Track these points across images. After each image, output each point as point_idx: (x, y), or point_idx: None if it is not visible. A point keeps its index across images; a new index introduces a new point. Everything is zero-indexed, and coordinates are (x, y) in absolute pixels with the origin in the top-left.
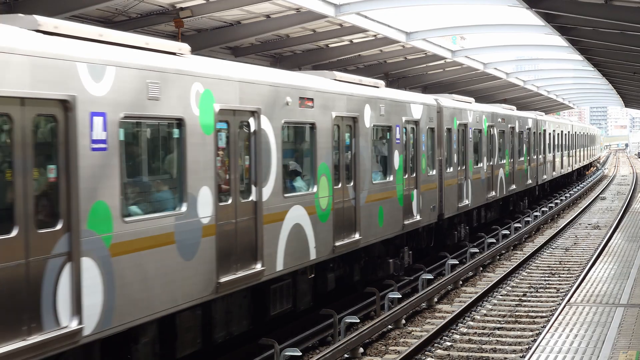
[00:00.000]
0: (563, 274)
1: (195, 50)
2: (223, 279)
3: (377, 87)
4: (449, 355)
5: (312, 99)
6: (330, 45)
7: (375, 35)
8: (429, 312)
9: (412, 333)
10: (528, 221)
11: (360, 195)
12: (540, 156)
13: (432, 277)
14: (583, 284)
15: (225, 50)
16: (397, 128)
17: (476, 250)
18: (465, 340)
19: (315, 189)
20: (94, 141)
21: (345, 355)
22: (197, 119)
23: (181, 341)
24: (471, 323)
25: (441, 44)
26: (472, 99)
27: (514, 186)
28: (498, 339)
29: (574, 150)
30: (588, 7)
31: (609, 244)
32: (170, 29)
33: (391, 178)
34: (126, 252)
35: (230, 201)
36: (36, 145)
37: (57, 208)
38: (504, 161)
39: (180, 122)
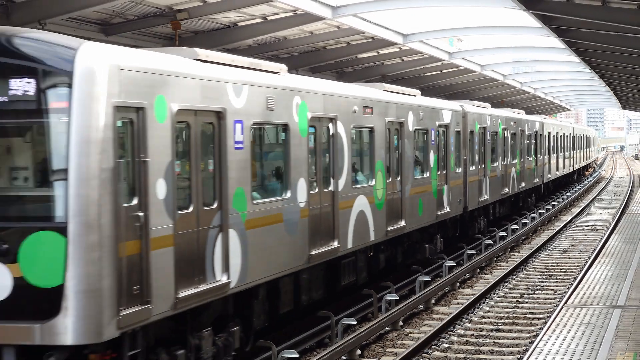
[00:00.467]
0: (560, 275)
1: None
2: (313, 252)
3: (415, 95)
4: (446, 357)
5: (371, 107)
6: (328, 47)
7: (372, 37)
8: (426, 314)
9: (410, 335)
10: (525, 223)
11: (405, 188)
12: (546, 157)
13: (430, 279)
14: (580, 286)
15: (222, 52)
16: (432, 131)
17: (473, 252)
18: (462, 342)
19: (373, 182)
20: (236, 142)
21: (343, 357)
22: (297, 124)
23: (283, 300)
24: (469, 325)
25: (438, 45)
26: (488, 105)
27: (523, 184)
28: (495, 340)
29: (575, 152)
30: (585, 9)
31: (606, 246)
32: (167, 31)
33: (427, 174)
34: (254, 226)
35: (316, 190)
36: (202, 145)
37: (214, 192)
38: (515, 161)
39: (286, 127)
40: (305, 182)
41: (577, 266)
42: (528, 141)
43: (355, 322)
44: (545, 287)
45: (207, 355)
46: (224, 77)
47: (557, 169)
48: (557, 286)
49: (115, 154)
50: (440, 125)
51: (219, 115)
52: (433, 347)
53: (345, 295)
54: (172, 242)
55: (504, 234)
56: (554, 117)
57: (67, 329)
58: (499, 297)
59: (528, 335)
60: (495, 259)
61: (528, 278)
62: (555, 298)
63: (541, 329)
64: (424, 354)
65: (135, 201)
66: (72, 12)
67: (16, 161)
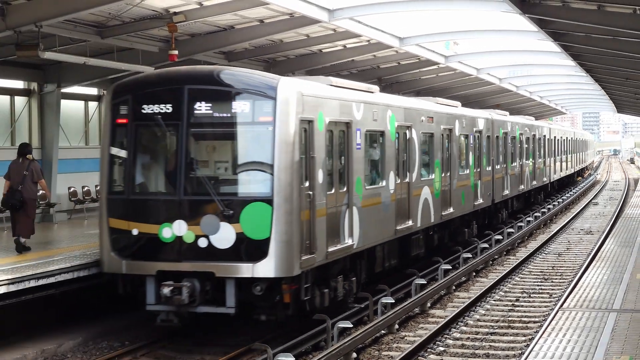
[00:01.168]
0: (556, 279)
1: (188, 55)
2: (398, 227)
3: (457, 106)
4: None
5: (432, 117)
6: (324, 50)
7: (368, 41)
8: (422, 317)
9: (405, 338)
10: (521, 226)
11: (453, 182)
12: (552, 158)
13: (425, 282)
14: (576, 289)
15: (219, 54)
16: (471, 136)
17: (469, 255)
18: (458, 346)
19: (433, 176)
20: (357, 144)
21: None
22: (389, 131)
23: (377, 263)
24: (464, 328)
25: (434, 49)
26: (507, 112)
27: (535, 182)
28: (491, 344)
29: (575, 154)
30: (581, 12)
31: (602, 249)
32: (163, 34)
33: (467, 171)
34: (365, 206)
35: (399, 181)
36: (339, 146)
37: (345, 179)
38: (529, 162)
39: (382, 133)
40: (393, 174)
41: (573, 270)
42: (539, 144)
43: (351, 325)
44: (540, 291)
45: (340, 295)
46: (350, 98)
47: (562, 170)
48: (552, 289)
49: (300, 152)
50: (476, 131)
51: (348, 125)
52: (429, 350)
53: (414, 263)
54: (325, 213)
55: (500, 237)
56: (549, 121)
57: (271, 267)
58: (494, 300)
59: (524, 338)
60: (491, 262)
61: (524, 281)
62: (550, 301)
63: (537, 332)
64: (419, 357)
65: (307, 184)
66: (68, 14)
67: (238, 156)
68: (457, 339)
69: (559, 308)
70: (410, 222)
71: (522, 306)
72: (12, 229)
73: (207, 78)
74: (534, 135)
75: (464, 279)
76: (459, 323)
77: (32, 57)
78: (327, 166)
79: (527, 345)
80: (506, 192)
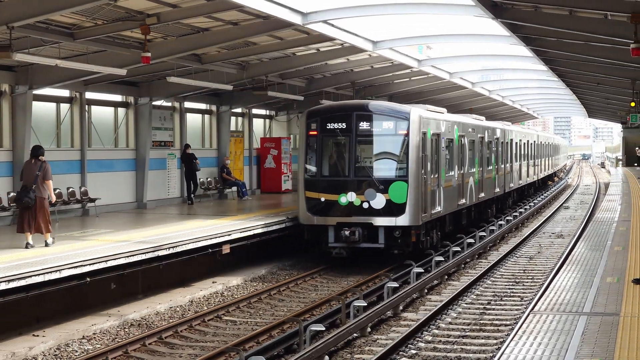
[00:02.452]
0: (527, 282)
1: (161, 57)
2: (459, 202)
3: (482, 120)
4: None
5: (474, 129)
6: (298, 54)
7: (342, 44)
8: (394, 320)
9: (378, 341)
10: (493, 230)
11: (484, 174)
12: (539, 160)
13: (398, 285)
14: (547, 293)
15: (192, 57)
16: (493, 142)
17: (441, 258)
18: (430, 349)
19: (474, 170)
20: (442, 147)
21: None
22: (455, 139)
23: (446, 225)
24: (436, 331)
25: (407, 53)
26: (510, 123)
27: (528, 178)
28: (463, 347)
29: (554, 157)
30: (553, 17)
31: (573, 253)
32: (136, 36)
33: (490, 167)
34: (445, 187)
35: (459, 172)
36: (435, 148)
37: (437, 169)
38: (525, 162)
39: (451, 140)
40: (457, 167)
41: (544, 273)
42: (532, 149)
43: (324, 329)
44: (512, 294)
45: (433, 241)
46: (438, 118)
47: (544, 170)
48: (523, 293)
49: (420, 152)
50: (495, 138)
51: (438, 135)
52: (401, 353)
53: (461, 231)
54: (430, 189)
55: (472, 240)
56: (521, 125)
57: (406, 219)
58: (466, 303)
59: (495, 341)
60: (463, 265)
61: (495, 285)
62: (522, 305)
63: (508, 335)
64: None
65: (423, 171)
66: (40, 15)
67: (386, 154)
68: (429, 342)
69: (530, 311)
70: (463, 200)
71: (493, 309)
72: (18, 225)
73: (367, 107)
74: (528, 141)
75: (436, 282)
76: (431, 326)
77: (3, 58)
78: (431, 161)
79: (499, 349)
80: (512, 184)
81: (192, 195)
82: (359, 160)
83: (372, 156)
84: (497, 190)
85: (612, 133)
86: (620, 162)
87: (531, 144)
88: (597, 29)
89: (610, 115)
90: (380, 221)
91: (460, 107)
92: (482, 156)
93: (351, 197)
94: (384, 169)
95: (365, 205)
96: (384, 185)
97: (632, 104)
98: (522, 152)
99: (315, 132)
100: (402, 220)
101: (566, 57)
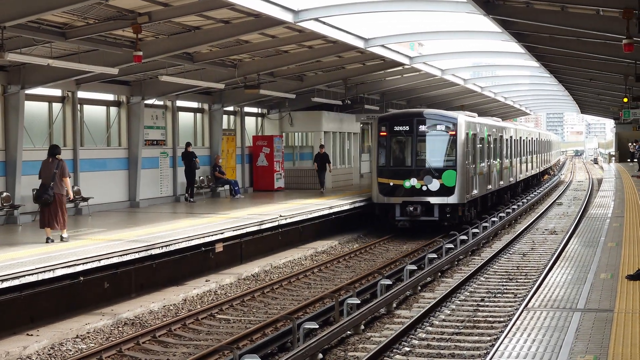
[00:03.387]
0: (521, 279)
1: (152, 56)
2: (487, 188)
3: (499, 121)
4: None
5: (496, 129)
6: (290, 51)
7: (334, 42)
8: (388, 317)
9: (371, 339)
10: (486, 227)
11: (503, 166)
12: (540, 155)
13: (391, 283)
14: (540, 289)
15: (184, 55)
16: (508, 139)
17: (434, 255)
18: (424, 346)
19: (497, 162)
20: (478, 144)
21: None
22: (484, 137)
23: (478, 206)
24: (430, 328)
25: (399, 50)
26: (475, 114)
27: (532, 171)
28: (456, 344)
29: (552, 152)
30: (544, 13)
31: (566, 249)
32: (128, 35)
33: (507, 160)
34: (479, 174)
35: (487, 163)
36: (473, 144)
37: (475, 160)
38: (530, 156)
39: (482, 138)
40: (486, 159)
41: (537, 269)
42: (541, 144)
43: (317, 326)
44: (505, 291)
45: (472, 216)
46: (474, 121)
47: (547, 162)
48: (517, 289)
49: (465, 147)
50: (510, 136)
51: (475, 134)
52: (395, 350)
53: (484, 212)
54: (471, 176)
55: (465, 237)
56: (514, 121)
57: (455, 198)
58: (460, 300)
59: (489, 338)
60: (456, 262)
61: (489, 281)
62: (515, 301)
63: (502, 332)
64: (385, 358)
65: (467, 162)
66: (31, 15)
67: (441, 149)
68: (423, 339)
69: (524, 308)
70: (490, 186)
71: (487, 306)
72: (40, 222)
73: (423, 114)
74: (532, 138)
75: (429, 279)
76: (425, 323)
77: None
78: (471, 154)
79: (492, 345)
80: (521, 175)
81: (187, 193)
82: (419, 154)
83: (429, 151)
84: (511, 179)
85: (605, 129)
86: (613, 158)
87: (534, 140)
88: (589, 24)
89: (603, 111)
90: (435, 200)
91: (452, 104)
92: (502, 151)
93: (413, 182)
94: (438, 160)
95: (424, 188)
96: (438, 172)
97: (625, 100)
98: (529, 148)
99: (385, 133)
100: (452, 199)
101: (558, 53)
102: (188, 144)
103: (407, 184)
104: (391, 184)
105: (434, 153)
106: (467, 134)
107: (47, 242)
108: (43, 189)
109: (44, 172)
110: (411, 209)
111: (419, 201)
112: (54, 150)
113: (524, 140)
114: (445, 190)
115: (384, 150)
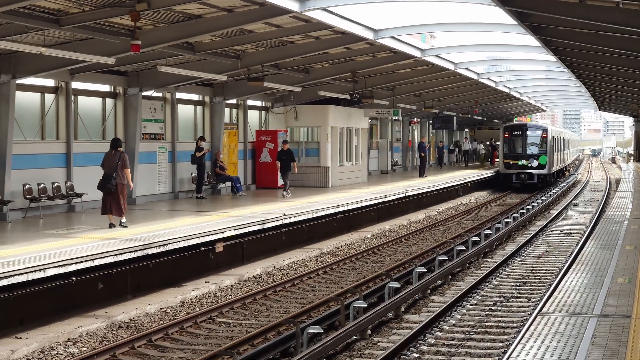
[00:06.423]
0: (534, 282)
1: (151, 46)
2: (557, 166)
3: (552, 126)
4: None
5: (558, 132)
6: (297, 42)
7: (342, 32)
8: (395, 322)
9: (378, 344)
10: (499, 228)
11: (560, 155)
12: (570, 150)
13: (399, 286)
14: (555, 293)
15: (184, 45)
16: (560, 138)
17: (445, 257)
18: (433, 352)
19: (559, 152)
20: (550, 143)
21: None
22: (556, 137)
23: (557, 175)
24: (439, 334)
25: (410, 42)
26: (546, 120)
27: (568, 161)
28: (467, 350)
29: (575, 148)
30: (562, 6)
31: (582, 252)
32: (125, 23)
33: (560, 152)
34: (555, 159)
35: (557, 153)
36: (553, 143)
37: (553, 150)
38: (566, 150)
39: (553, 137)
40: (556, 150)
41: (552, 273)
42: (567, 142)
43: (322, 331)
44: (518, 295)
45: (554, 181)
46: (553, 128)
47: (572, 156)
48: (531, 294)
49: (550, 143)
50: (561, 137)
51: (553, 136)
52: (402, 357)
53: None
54: (554, 159)
55: (477, 239)
56: (529, 118)
57: (546, 170)
58: (471, 304)
59: (501, 344)
60: (467, 265)
61: (501, 285)
62: (529, 306)
63: (514, 338)
64: None
65: (551, 151)
66: (24, 1)
67: (539, 145)
68: (432, 345)
69: (538, 313)
70: (557, 166)
71: (499, 311)
72: (102, 208)
73: (528, 125)
74: (566, 138)
75: (439, 282)
76: (434, 328)
77: None
78: (552, 147)
79: (505, 352)
80: (563, 163)
81: (198, 188)
82: (526, 146)
83: (531, 145)
84: (560, 165)
85: (624, 127)
86: (632, 157)
87: (565, 139)
88: (609, 17)
89: (622, 108)
90: (535, 172)
91: (466, 98)
92: (560, 146)
93: (523, 161)
94: (537, 150)
95: (529, 165)
96: (537, 156)
97: None
98: (566, 145)
99: (507, 135)
100: (544, 171)
101: (576, 47)
102: (200, 138)
103: (520, 162)
104: (511, 162)
105: (534, 146)
106: (552, 136)
107: (110, 227)
108: (106, 179)
109: (106, 163)
110: (522, 176)
111: (526, 172)
112: (116, 143)
113: (564, 139)
114: (540, 167)
115: (507, 145)
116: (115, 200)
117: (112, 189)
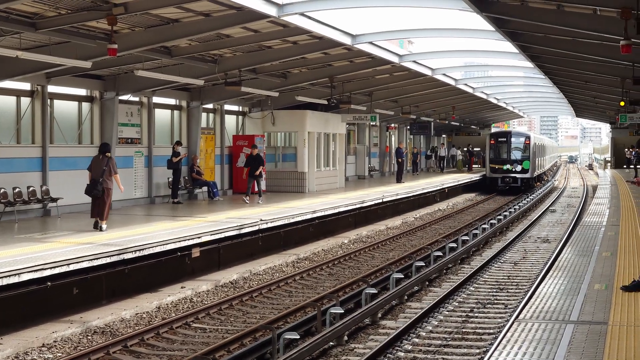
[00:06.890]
0: (512, 289)
1: (128, 50)
2: (538, 171)
3: (532, 133)
4: None
5: (538, 139)
6: (274, 47)
7: (320, 37)
8: (372, 328)
9: (355, 350)
10: (476, 234)
11: (538, 161)
12: (547, 156)
13: (376, 292)
14: (532, 300)
15: (161, 49)
16: (539, 145)
17: (422, 263)
18: (410, 358)
19: (539, 158)
20: (532, 150)
21: None
22: (537, 144)
23: (535, 180)
24: (416, 340)
25: (388, 47)
26: (544, 136)
27: (545, 167)
28: (444, 356)
29: (552, 154)
30: (539, 12)
31: (559, 259)
32: (102, 27)
33: (540, 158)
34: (537, 164)
35: (538, 160)
36: (534, 149)
37: (534, 155)
38: (543, 157)
39: (535, 144)
40: (537, 156)
41: (529, 279)
42: (543, 149)
43: (298, 337)
44: (495, 301)
45: (534, 185)
46: (535, 135)
47: (550, 162)
48: (508, 300)
49: (532, 149)
50: (540, 143)
51: (535, 143)
52: None
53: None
54: (535, 163)
55: (454, 245)
56: (506, 124)
57: (528, 175)
58: (448, 311)
59: (478, 351)
60: (444, 271)
61: (478, 291)
62: (506, 312)
63: (491, 344)
64: None
65: (533, 156)
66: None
67: (521, 152)
68: (409, 352)
69: (515, 319)
70: (538, 171)
71: (476, 317)
72: (91, 212)
73: (512, 132)
74: (544, 144)
75: (416, 288)
76: (411, 334)
77: None
78: (534, 152)
79: (482, 358)
80: (541, 169)
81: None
82: (510, 152)
83: (513, 151)
84: (540, 170)
85: (601, 133)
86: (609, 164)
87: (544, 145)
88: (586, 24)
89: (599, 115)
90: (518, 176)
91: (443, 104)
92: (539, 152)
93: (508, 166)
94: (520, 155)
95: (513, 169)
96: (520, 162)
97: (622, 104)
98: (545, 151)
99: (493, 142)
100: (527, 175)
101: (553, 54)
102: (177, 143)
103: (504, 167)
104: (497, 167)
105: (518, 151)
106: (534, 143)
107: (94, 227)
108: (93, 184)
109: (94, 167)
110: (507, 179)
111: (510, 176)
112: (104, 148)
113: (541, 145)
114: (524, 171)
115: (492, 151)
116: (101, 204)
117: (99, 194)
